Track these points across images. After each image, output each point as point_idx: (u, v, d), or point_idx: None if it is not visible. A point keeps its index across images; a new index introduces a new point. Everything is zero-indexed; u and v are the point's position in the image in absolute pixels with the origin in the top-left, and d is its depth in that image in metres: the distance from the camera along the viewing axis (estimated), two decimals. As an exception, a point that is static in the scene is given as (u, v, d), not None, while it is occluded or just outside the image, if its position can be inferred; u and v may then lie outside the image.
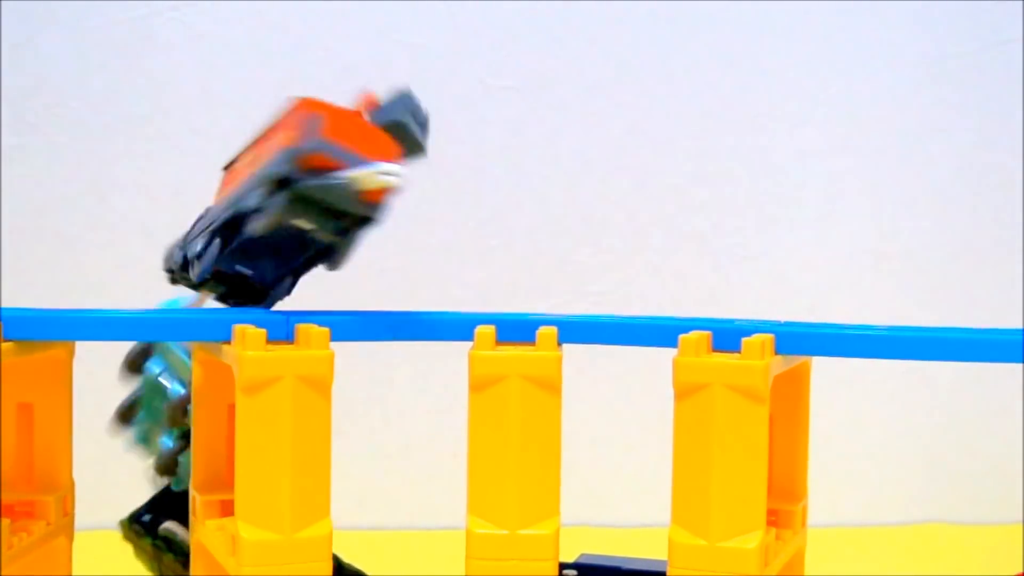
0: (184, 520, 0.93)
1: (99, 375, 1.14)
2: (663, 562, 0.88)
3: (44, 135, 1.33)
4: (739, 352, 0.73)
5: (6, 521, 0.76)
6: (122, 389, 1.31)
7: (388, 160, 0.82)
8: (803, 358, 0.81)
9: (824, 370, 0.83)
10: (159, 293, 1.32)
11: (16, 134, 1.33)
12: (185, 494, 0.91)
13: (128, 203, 1.34)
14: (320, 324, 0.76)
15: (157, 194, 1.34)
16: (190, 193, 1.34)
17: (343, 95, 1.33)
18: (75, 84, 1.33)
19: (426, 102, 1.34)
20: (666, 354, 0.78)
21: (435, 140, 1.35)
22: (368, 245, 1.33)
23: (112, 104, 1.33)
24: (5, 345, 0.75)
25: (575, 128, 1.37)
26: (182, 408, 0.90)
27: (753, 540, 0.72)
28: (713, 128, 1.38)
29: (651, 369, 1.29)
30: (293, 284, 0.89)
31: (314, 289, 1.33)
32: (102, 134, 1.33)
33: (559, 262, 1.37)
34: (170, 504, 0.95)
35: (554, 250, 1.37)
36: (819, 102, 1.38)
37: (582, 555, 0.92)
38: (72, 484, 0.85)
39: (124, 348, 1.18)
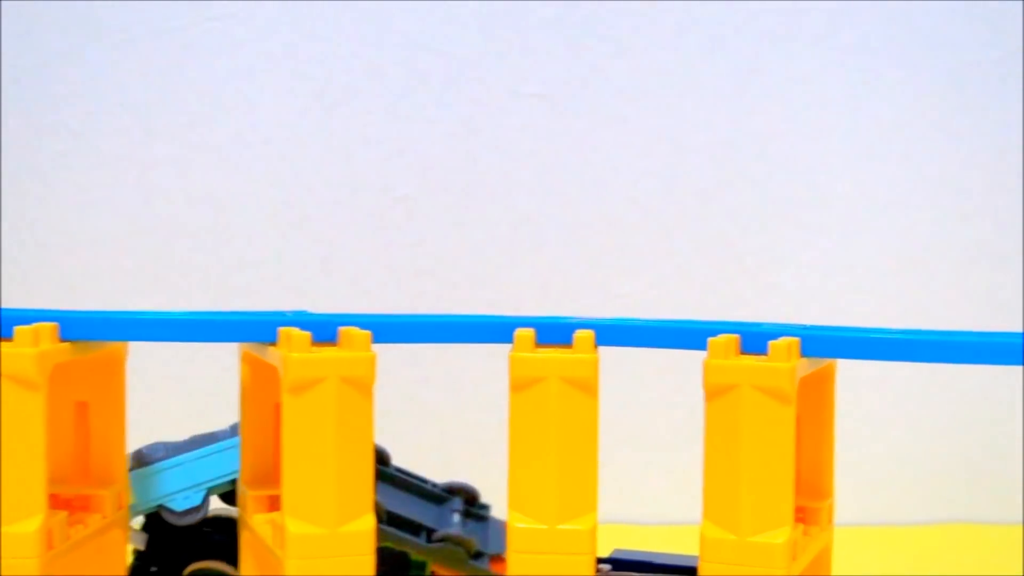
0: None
1: (148, 373, 1.18)
2: (692, 557, 0.91)
3: (88, 142, 1.36)
4: (766, 355, 0.75)
5: (64, 513, 0.79)
6: (170, 387, 1.35)
7: None
8: (829, 360, 0.84)
9: (850, 369, 0.85)
10: (200, 295, 1.36)
11: (60, 141, 1.36)
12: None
13: (170, 209, 1.37)
14: (362, 327, 0.78)
15: (198, 200, 1.37)
16: (231, 199, 1.37)
17: (376, 101, 1.36)
18: (118, 92, 1.36)
19: (458, 109, 1.37)
20: (694, 356, 0.81)
21: (467, 147, 1.38)
22: (403, 248, 1.37)
23: (154, 112, 1.36)
24: (62, 346, 0.78)
25: (603, 134, 1.39)
26: None
27: (781, 535, 0.75)
28: (739, 133, 1.40)
29: (679, 370, 1.32)
30: None
31: (354, 292, 1.36)
32: (144, 140, 1.36)
33: (588, 266, 1.39)
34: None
35: (583, 254, 1.39)
36: (846, 107, 1.39)
37: (615, 550, 0.94)
38: (126, 479, 0.88)
39: (173, 347, 1.22)
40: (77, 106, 1.36)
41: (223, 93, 1.37)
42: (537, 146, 1.38)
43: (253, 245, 1.37)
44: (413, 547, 0.95)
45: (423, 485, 1.03)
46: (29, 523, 0.75)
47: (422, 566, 0.97)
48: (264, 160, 1.37)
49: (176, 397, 1.36)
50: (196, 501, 0.92)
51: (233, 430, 0.95)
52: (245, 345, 0.87)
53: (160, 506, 0.91)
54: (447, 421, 1.39)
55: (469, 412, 1.39)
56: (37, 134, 1.35)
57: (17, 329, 0.75)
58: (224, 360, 1.29)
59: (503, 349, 0.83)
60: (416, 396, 1.38)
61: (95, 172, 1.36)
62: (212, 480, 0.93)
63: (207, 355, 1.33)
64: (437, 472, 1.17)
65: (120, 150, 1.36)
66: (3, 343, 0.75)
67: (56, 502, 0.80)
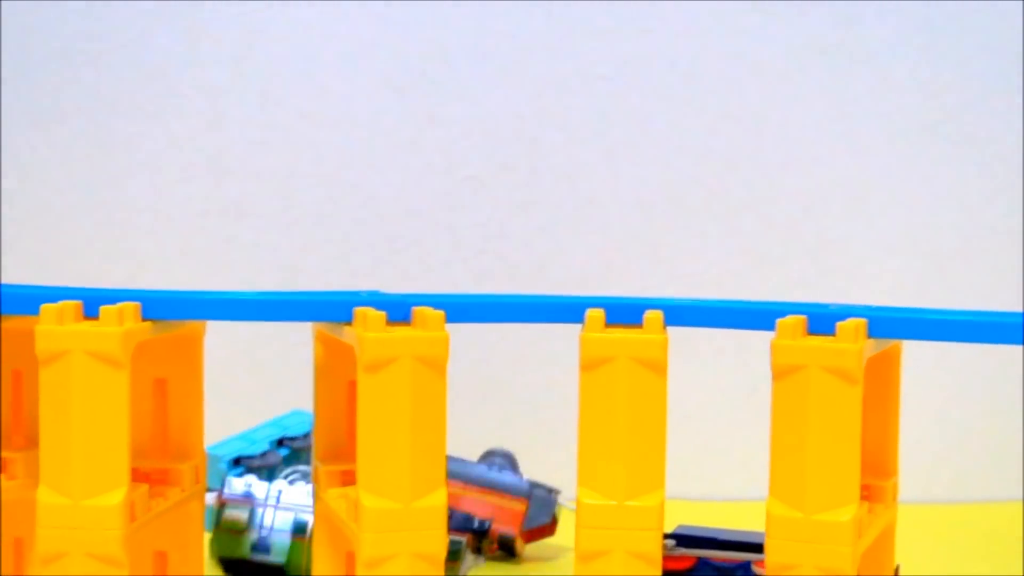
0: None
1: (223, 351, 1.20)
2: (754, 533, 0.92)
3: (160, 123, 1.38)
4: (834, 335, 0.76)
5: (145, 487, 0.81)
6: (241, 367, 1.37)
7: None
8: (895, 341, 0.85)
9: (915, 347, 0.86)
10: (268, 275, 1.38)
11: (134, 122, 1.38)
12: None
13: (240, 189, 1.39)
14: (436, 307, 0.80)
15: (268, 181, 1.39)
16: (300, 180, 1.39)
17: (443, 83, 1.37)
18: (190, 75, 1.38)
19: (524, 90, 1.38)
20: (758, 335, 0.82)
21: (533, 127, 1.39)
22: (468, 228, 1.38)
23: (224, 94, 1.38)
24: (144, 325, 0.80)
25: (667, 114, 1.40)
26: None
27: (847, 513, 0.76)
28: (803, 112, 1.40)
29: (741, 347, 1.33)
30: None
31: (419, 272, 1.38)
32: (215, 122, 1.38)
33: (652, 245, 1.40)
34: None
35: (647, 234, 1.40)
36: (910, 83, 1.39)
37: (679, 526, 0.96)
38: (204, 453, 0.90)
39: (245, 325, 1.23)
40: (150, 88, 1.38)
41: (292, 76, 1.38)
42: (602, 127, 1.39)
43: (321, 225, 1.39)
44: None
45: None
46: (112, 496, 0.77)
47: None
48: (333, 142, 1.39)
49: (248, 374, 1.38)
50: None
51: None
52: (319, 324, 0.89)
53: None
54: (510, 399, 1.41)
55: (530, 391, 1.40)
56: (111, 115, 1.38)
57: (103, 309, 0.77)
58: (292, 338, 1.32)
59: (568, 328, 0.85)
60: (478, 374, 1.39)
61: (167, 153, 1.38)
62: None
63: (277, 333, 1.35)
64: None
65: (192, 132, 1.38)
66: (89, 322, 0.78)
67: (137, 476, 0.82)
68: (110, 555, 0.77)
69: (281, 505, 1.01)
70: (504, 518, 1.09)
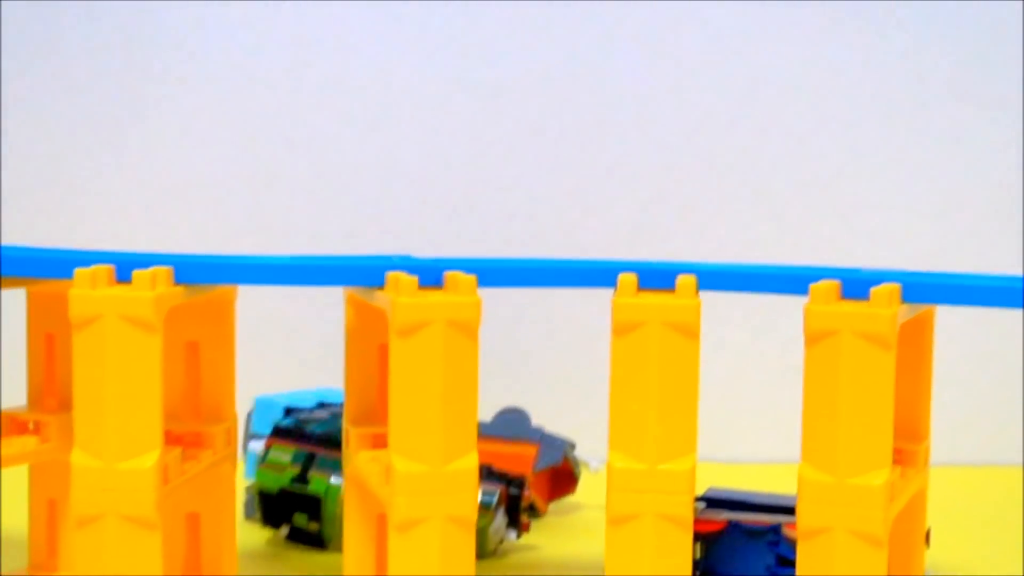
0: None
1: (255, 315, 1.20)
2: (784, 496, 0.92)
3: (191, 87, 1.38)
4: (867, 300, 0.76)
5: (178, 449, 0.82)
6: (273, 331, 1.37)
7: None
8: (928, 306, 0.84)
9: (947, 311, 0.86)
10: (298, 238, 1.38)
11: (165, 86, 1.38)
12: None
13: (270, 152, 1.39)
14: (467, 271, 0.80)
15: (298, 144, 1.39)
16: (328, 143, 1.39)
17: (472, 46, 1.37)
18: (220, 39, 1.38)
19: (555, 52, 1.37)
20: (790, 299, 0.82)
21: (564, 90, 1.39)
22: (497, 192, 1.38)
23: (254, 57, 1.38)
24: (176, 289, 0.80)
25: (697, 77, 1.39)
26: None
27: (879, 477, 0.76)
28: (836, 74, 1.39)
29: (771, 310, 1.32)
30: None
31: (448, 235, 1.38)
32: (245, 86, 1.38)
33: (681, 209, 1.40)
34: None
35: (677, 197, 1.40)
36: (943, 46, 1.39)
37: (709, 489, 0.96)
38: (235, 416, 0.90)
39: (279, 290, 1.24)
40: (181, 52, 1.38)
41: (321, 39, 1.38)
42: (634, 89, 1.39)
43: (351, 189, 1.39)
44: None
45: None
46: (146, 459, 0.77)
47: None
48: (362, 106, 1.39)
49: (279, 338, 1.39)
50: None
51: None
52: (350, 288, 0.89)
53: None
54: (539, 363, 1.41)
55: (560, 355, 1.40)
56: (141, 80, 1.38)
57: (135, 273, 0.77)
58: (321, 301, 1.32)
59: (599, 292, 0.85)
60: (508, 337, 1.40)
61: (198, 116, 1.38)
62: None
63: (307, 297, 1.35)
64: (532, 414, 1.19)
65: (222, 95, 1.38)
66: (122, 287, 0.78)
67: (169, 439, 0.82)
68: (144, 517, 0.77)
69: (327, 448, 1.03)
70: (515, 462, 1.10)
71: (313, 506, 1.02)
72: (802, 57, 1.39)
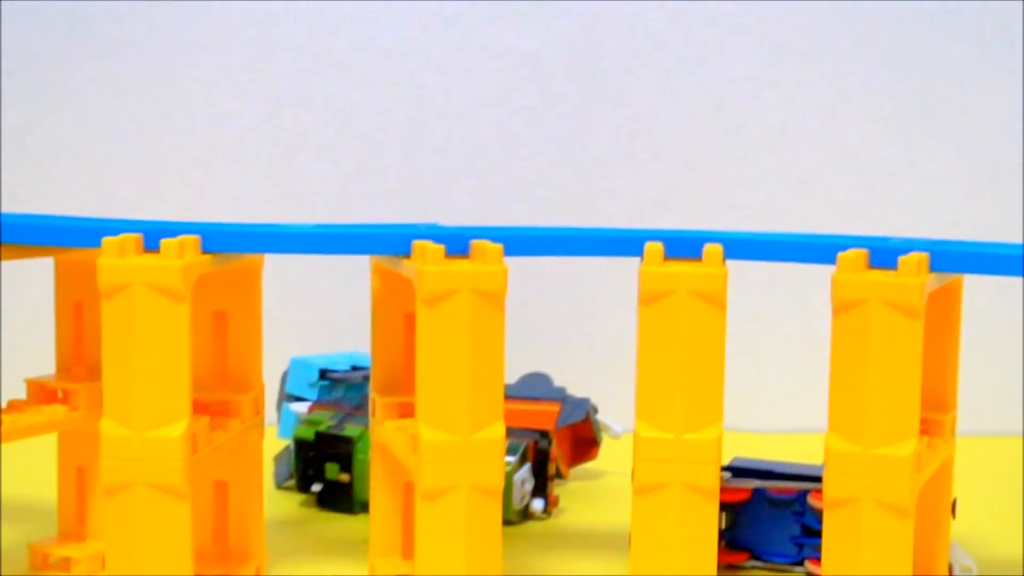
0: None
1: (281, 284, 1.21)
2: (810, 465, 0.92)
3: (214, 54, 1.38)
4: (895, 269, 0.76)
5: (206, 418, 0.82)
6: (299, 300, 1.38)
7: None
8: (956, 275, 0.84)
9: (973, 280, 0.86)
10: (322, 207, 1.38)
11: (188, 52, 1.38)
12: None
13: (293, 120, 1.39)
14: (494, 240, 0.80)
15: (321, 111, 1.39)
16: (352, 111, 1.39)
17: (496, 12, 1.37)
18: (242, 5, 1.38)
19: (577, 20, 1.37)
20: (816, 268, 0.82)
21: (587, 57, 1.38)
22: (521, 159, 1.38)
23: (277, 24, 1.38)
24: (204, 258, 0.80)
25: (723, 43, 1.39)
26: None
27: (906, 448, 0.76)
28: (860, 40, 1.38)
29: (798, 278, 1.32)
30: None
31: (472, 203, 1.38)
32: (269, 53, 1.38)
33: (707, 176, 1.39)
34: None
35: (702, 164, 1.39)
36: (973, 8, 1.38)
37: (735, 458, 0.96)
38: (263, 385, 0.90)
39: (305, 258, 1.24)
40: (204, 18, 1.38)
41: (347, 6, 1.38)
42: (657, 56, 1.38)
43: (377, 157, 1.39)
44: None
45: None
46: (174, 428, 0.78)
47: None
48: (387, 73, 1.38)
49: (305, 307, 1.39)
50: None
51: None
52: (377, 257, 0.89)
53: None
54: (565, 332, 1.41)
55: (585, 323, 1.40)
56: (164, 46, 1.38)
57: (163, 242, 0.77)
58: (348, 270, 1.32)
59: (623, 261, 0.85)
60: (534, 306, 1.40)
61: (224, 85, 1.38)
62: None
63: (334, 266, 1.35)
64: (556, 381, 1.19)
65: (249, 63, 1.38)
66: (150, 256, 0.78)
67: (197, 407, 0.83)
68: (172, 485, 0.78)
69: (365, 413, 1.04)
70: (537, 420, 1.10)
71: (345, 451, 1.03)
72: (828, 23, 1.38)
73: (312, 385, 1.11)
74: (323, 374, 1.12)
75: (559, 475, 1.13)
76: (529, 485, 1.02)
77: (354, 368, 1.13)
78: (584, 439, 1.16)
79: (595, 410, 1.15)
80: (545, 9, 1.38)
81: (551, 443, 1.04)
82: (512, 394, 1.10)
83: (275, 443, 1.11)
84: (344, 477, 1.03)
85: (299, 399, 1.12)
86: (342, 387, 1.11)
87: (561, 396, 1.14)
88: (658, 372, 0.80)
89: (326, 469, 1.04)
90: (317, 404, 1.09)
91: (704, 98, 1.39)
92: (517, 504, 1.01)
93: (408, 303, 0.85)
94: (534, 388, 1.15)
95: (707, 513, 0.80)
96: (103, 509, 0.83)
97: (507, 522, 0.95)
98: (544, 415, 1.11)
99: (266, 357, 0.91)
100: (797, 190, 1.39)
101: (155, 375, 0.78)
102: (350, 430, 1.04)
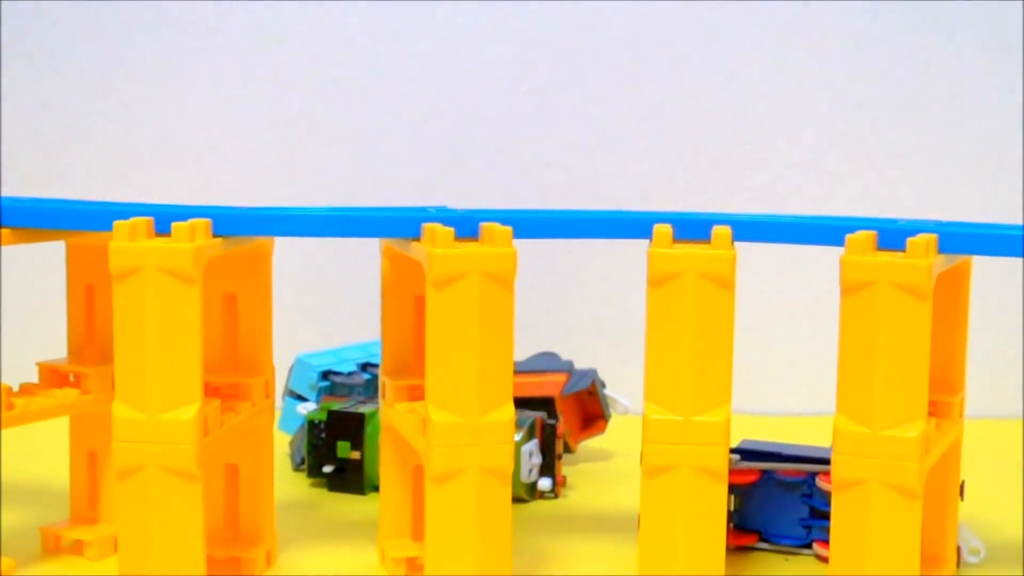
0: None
1: (291, 267, 1.21)
2: (818, 448, 0.92)
3: (223, 36, 1.38)
4: (904, 251, 0.76)
5: (217, 401, 0.82)
6: (309, 283, 1.38)
7: None
8: (965, 256, 0.84)
9: (983, 262, 0.86)
10: (331, 190, 1.38)
11: (197, 37, 1.38)
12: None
13: (303, 103, 1.39)
14: (503, 222, 0.80)
15: (334, 94, 1.39)
16: (362, 93, 1.39)
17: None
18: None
19: (590, 2, 1.37)
20: (825, 250, 0.82)
21: (596, 39, 1.38)
22: (535, 143, 1.38)
23: (286, 7, 1.38)
24: (214, 241, 0.81)
25: (733, 24, 1.38)
26: None
27: (915, 429, 0.76)
28: (869, 23, 1.38)
29: (809, 263, 1.32)
30: None
31: (482, 186, 1.38)
32: (278, 35, 1.38)
33: (714, 158, 1.39)
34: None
35: (710, 146, 1.39)
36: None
37: (743, 441, 0.96)
38: (273, 368, 0.91)
39: (315, 241, 1.24)
40: (214, 1, 1.38)
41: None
42: (667, 38, 1.38)
43: (386, 140, 1.39)
44: None
45: None
46: (186, 411, 0.78)
47: None
48: (396, 55, 1.38)
49: (315, 289, 1.39)
50: None
51: None
52: (386, 240, 0.89)
53: None
54: (574, 314, 1.41)
55: (595, 305, 1.41)
56: (172, 29, 1.38)
57: (174, 225, 0.78)
58: (357, 253, 1.32)
59: (632, 243, 0.85)
60: (543, 288, 1.40)
61: (231, 65, 1.38)
62: None
63: (343, 249, 1.35)
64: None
65: (254, 45, 1.38)
66: (161, 239, 0.78)
67: (208, 390, 0.83)
68: (184, 468, 0.78)
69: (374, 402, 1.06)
70: (544, 389, 1.10)
71: (357, 428, 1.04)
72: (837, 5, 1.38)
73: (312, 387, 1.11)
74: (326, 375, 1.12)
75: (567, 449, 1.13)
76: (537, 459, 1.02)
77: (364, 366, 1.13)
78: (592, 414, 1.16)
79: (603, 384, 1.16)
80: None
81: (559, 419, 1.05)
82: (521, 369, 1.11)
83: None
84: (355, 455, 1.04)
85: (300, 398, 1.12)
86: (344, 390, 1.11)
87: (569, 368, 1.15)
88: (667, 354, 0.80)
89: (337, 447, 1.05)
90: (328, 396, 1.10)
91: (713, 80, 1.38)
92: (525, 478, 1.01)
93: (418, 286, 0.85)
94: (541, 362, 1.16)
95: (716, 495, 0.81)
96: (115, 492, 0.84)
97: (516, 499, 0.96)
98: (551, 384, 1.12)
99: (276, 342, 0.91)
100: (806, 172, 1.39)
101: (167, 358, 0.78)
102: (362, 409, 1.05)
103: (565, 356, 1.21)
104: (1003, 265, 1.05)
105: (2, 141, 1.38)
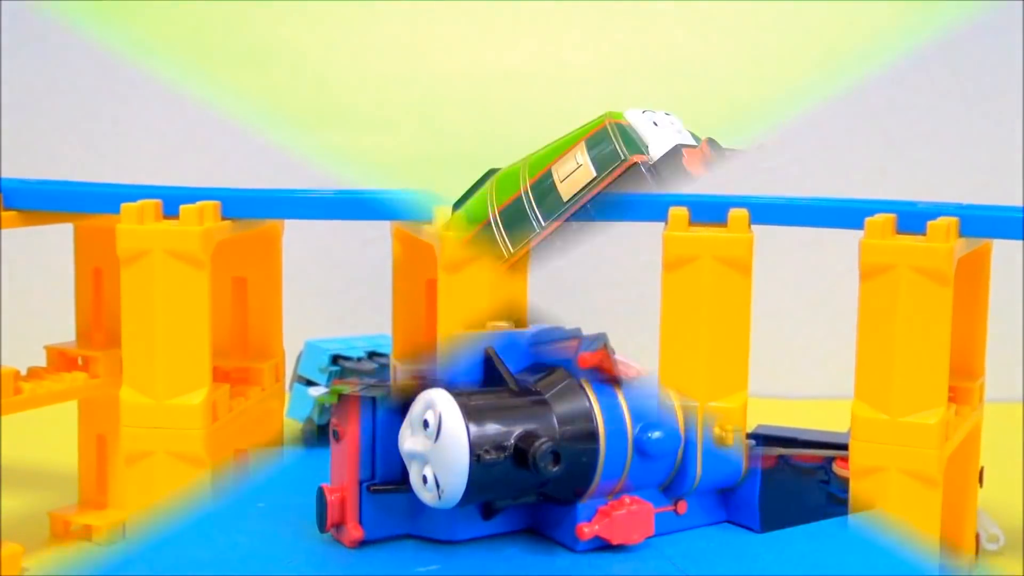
0: None
1: (301, 250, 1.20)
2: (834, 433, 0.91)
3: (237, 21, 1.38)
4: (924, 235, 0.74)
5: (226, 386, 0.82)
6: (319, 266, 1.37)
7: None
8: (985, 240, 0.83)
9: (1003, 245, 0.84)
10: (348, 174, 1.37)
11: (210, 21, 1.38)
12: None
13: (319, 88, 1.38)
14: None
15: (341, 78, 1.38)
16: (363, 81, 1.38)
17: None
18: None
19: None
20: (844, 233, 0.81)
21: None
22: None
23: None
24: (224, 224, 0.80)
25: (750, 8, 1.37)
26: None
27: (934, 416, 0.74)
28: (886, 7, 1.37)
29: (828, 246, 1.31)
30: None
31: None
32: (293, 23, 1.37)
33: (731, 140, 1.38)
34: None
35: (726, 127, 1.38)
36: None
37: (758, 426, 0.95)
38: (283, 352, 0.90)
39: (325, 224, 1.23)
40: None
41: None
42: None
43: (395, 124, 1.38)
44: None
45: None
46: (195, 396, 0.78)
47: None
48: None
49: (325, 273, 1.39)
50: None
51: None
52: (397, 223, 0.88)
53: None
54: (589, 297, 1.40)
55: (609, 289, 1.40)
56: (184, 11, 1.37)
57: (183, 208, 0.77)
58: (368, 236, 1.32)
59: (648, 226, 0.84)
60: (554, 271, 1.39)
61: (240, 50, 1.37)
62: None
63: (354, 232, 1.35)
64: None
65: (264, 30, 1.37)
66: (169, 222, 0.77)
67: (217, 375, 0.82)
68: (193, 454, 0.78)
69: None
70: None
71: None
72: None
73: (322, 371, 1.10)
74: (335, 359, 1.11)
75: None
76: None
77: (371, 355, 1.12)
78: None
79: (612, 351, 1.14)
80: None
81: None
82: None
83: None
84: None
85: (310, 383, 1.11)
86: (354, 376, 1.10)
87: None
88: (683, 339, 0.79)
89: None
90: (339, 380, 1.09)
91: (729, 60, 1.37)
92: None
93: (429, 269, 0.84)
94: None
95: (732, 480, 0.80)
96: (123, 477, 0.83)
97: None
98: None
99: (285, 328, 0.90)
100: (824, 154, 1.38)
101: (175, 342, 0.77)
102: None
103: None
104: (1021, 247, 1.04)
105: (7, 123, 1.37)
